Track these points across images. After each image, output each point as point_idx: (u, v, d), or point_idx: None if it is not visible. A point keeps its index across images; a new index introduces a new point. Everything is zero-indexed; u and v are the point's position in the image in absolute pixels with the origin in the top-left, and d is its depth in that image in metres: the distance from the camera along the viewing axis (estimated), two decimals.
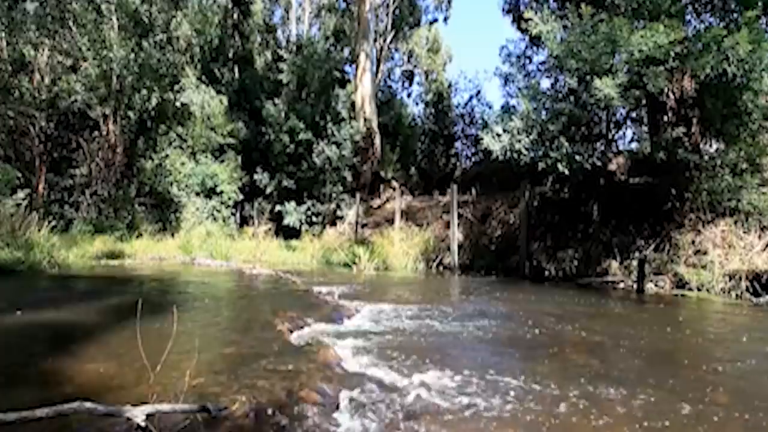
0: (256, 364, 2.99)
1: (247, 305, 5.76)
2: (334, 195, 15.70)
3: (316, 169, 15.54)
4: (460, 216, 12.02)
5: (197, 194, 16.31)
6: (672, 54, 7.24)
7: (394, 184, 15.55)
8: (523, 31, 10.98)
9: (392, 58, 23.59)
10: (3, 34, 13.65)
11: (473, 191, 13.65)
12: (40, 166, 14.43)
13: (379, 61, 21.06)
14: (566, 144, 8.32)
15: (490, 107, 20.32)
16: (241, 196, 17.01)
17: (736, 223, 7.98)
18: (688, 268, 7.82)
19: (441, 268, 11.44)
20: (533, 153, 8.80)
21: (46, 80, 14.30)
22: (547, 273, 9.71)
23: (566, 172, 8.36)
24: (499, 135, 9.04)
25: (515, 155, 8.95)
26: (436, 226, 12.76)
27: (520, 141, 8.70)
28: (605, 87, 7.40)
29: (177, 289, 7.02)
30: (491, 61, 55.72)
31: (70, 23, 14.12)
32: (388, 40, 21.74)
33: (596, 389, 2.83)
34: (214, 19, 20.14)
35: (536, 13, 8.69)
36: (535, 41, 9.79)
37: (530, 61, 10.53)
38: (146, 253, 12.40)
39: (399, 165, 18.09)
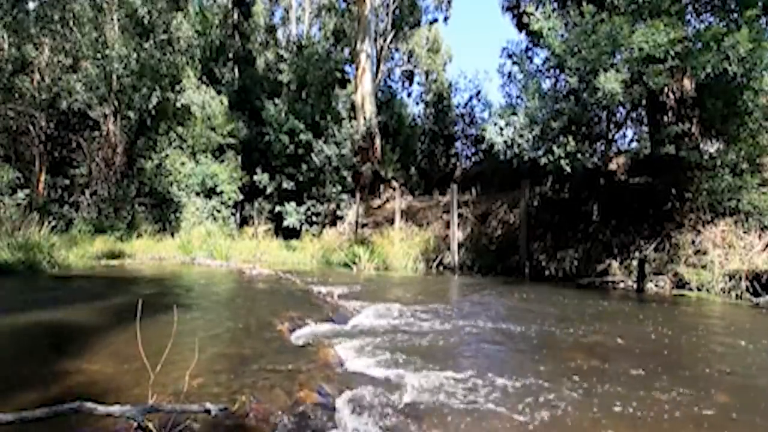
0: (256, 364, 2.99)
1: (247, 305, 5.76)
2: (333, 195, 15.69)
3: (316, 169, 15.54)
4: (460, 216, 12.02)
5: (197, 194, 16.31)
6: (672, 53, 7.24)
7: (394, 184, 15.55)
8: (524, 27, 10.97)
9: (392, 58, 23.59)
10: (5, 34, 13.65)
11: (473, 191, 13.64)
12: (40, 166, 14.44)
13: (379, 61, 21.05)
14: (571, 141, 8.29)
15: (490, 106, 20.33)
16: (241, 196, 17.01)
17: (736, 223, 7.97)
18: (688, 268, 7.82)
19: (441, 268, 11.43)
20: (535, 150, 8.80)
21: (47, 80, 14.30)
22: (547, 273, 9.71)
23: (569, 170, 8.33)
24: (501, 129, 9.03)
25: (517, 151, 8.94)
26: (436, 226, 12.76)
27: (522, 136, 8.69)
28: (608, 82, 7.39)
29: (177, 289, 7.02)
30: (491, 61, 55.76)
31: (71, 23, 14.11)
32: (388, 40, 21.73)
33: (596, 389, 2.83)
34: (214, 20, 20.16)
35: (537, 8, 8.69)
36: (536, 41, 9.79)
37: (531, 61, 10.54)
38: (146, 253, 12.40)
39: (399, 165, 18.07)
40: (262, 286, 7.63)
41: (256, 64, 21.60)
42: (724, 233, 7.92)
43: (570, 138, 8.34)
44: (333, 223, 15.67)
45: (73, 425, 2.02)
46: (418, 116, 23.16)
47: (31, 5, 14.30)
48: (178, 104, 16.26)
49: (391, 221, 13.53)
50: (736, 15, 7.68)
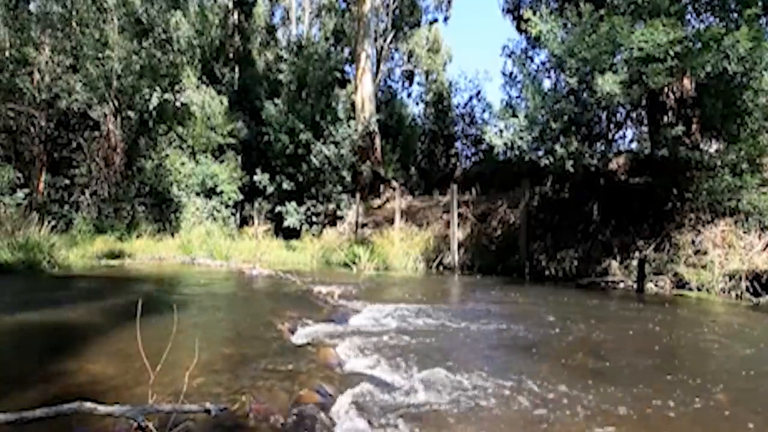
0: (256, 364, 2.99)
1: (247, 305, 5.76)
2: (333, 195, 15.70)
3: (316, 170, 15.55)
4: (460, 216, 12.01)
5: (197, 194, 16.31)
6: (672, 53, 7.24)
7: (394, 184, 15.54)
8: (523, 31, 10.98)
9: (392, 58, 23.59)
10: (6, 34, 13.65)
11: (473, 191, 13.64)
12: (40, 166, 14.43)
13: (379, 61, 21.05)
14: (575, 141, 8.29)
15: (490, 107, 20.37)
16: (241, 196, 17.01)
17: (736, 223, 7.97)
18: (688, 268, 7.82)
19: (441, 268, 11.43)
20: (535, 151, 8.80)
21: (47, 80, 14.29)
22: (547, 273, 9.71)
23: (571, 170, 8.31)
24: (501, 131, 9.04)
25: (517, 152, 8.95)
26: (436, 226, 12.76)
27: (522, 138, 8.70)
28: (607, 84, 7.39)
29: (177, 289, 7.02)
30: (491, 61, 55.77)
31: (73, 23, 14.11)
32: (388, 40, 21.73)
33: (596, 389, 2.83)
34: (214, 20, 20.16)
35: (535, 13, 8.69)
36: (536, 42, 9.81)
37: (531, 61, 10.54)
38: (146, 252, 12.39)
39: (399, 165, 18.08)
40: (262, 286, 7.63)
41: (256, 64, 21.60)
42: (724, 233, 7.91)
43: (573, 137, 8.36)
44: (333, 223, 15.67)
45: (73, 425, 2.02)
46: (418, 116, 23.17)
47: (33, 6, 14.31)
48: (178, 104, 16.26)
49: (391, 221, 13.53)
50: (735, 14, 7.68)
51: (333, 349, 3.55)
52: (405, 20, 22.00)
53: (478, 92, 21.60)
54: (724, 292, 7.29)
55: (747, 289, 7.10)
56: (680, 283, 7.83)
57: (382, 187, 16.45)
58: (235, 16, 21.54)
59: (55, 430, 1.98)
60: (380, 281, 9.18)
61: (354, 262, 11.34)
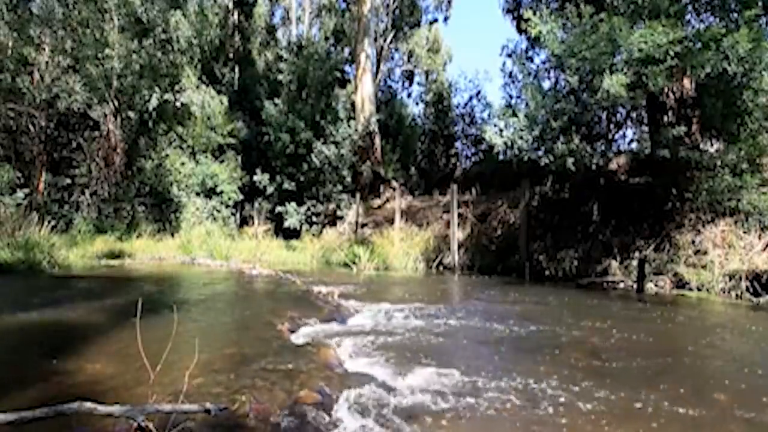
0: (256, 364, 2.99)
1: (247, 305, 5.76)
2: (334, 195, 15.70)
3: (316, 169, 15.55)
4: (460, 216, 12.01)
5: (197, 194, 16.31)
6: (671, 53, 7.24)
7: (394, 184, 15.54)
8: (523, 31, 10.98)
9: (392, 58, 23.58)
10: (6, 34, 13.64)
11: (473, 191, 13.64)
12: (40, 166, 14.43)
13: (379, 61, 21.04)
14: (576, 139, 8.28)
15: (490, 106, 20.37)
16: (241, 196, 17.01)
17: (736, 223, 7.97)
18: (688, 268, 7.82)
19: (441, 268, 11.43)
20: (535, 151, 8.80)
21: (47, 80, 14.29)
22: (547, 273, 9.70)
23: (573, 168, 8.29)
24: (501, 130, 9.03)
25: (517, 152, 8.94)
26: (436, 226, 12.75)
27: (522, 137, 8.69)
28: (613, 87, 7.37)
29: (177, 289, 7.02)
30: (491, 61, 55.75)
31: (74, 23, 14.11)
32: (388, 40, 21.73)
33: (596, 390, 2.83)
34: (214, 20, 20.17)
35: (535, 13, 8.68)
36: (536, 42, 9.80)
37: (531, 61, 10.54)
38: (146, 252, 12.40)
39: (399, 165, 18.08)
40: (262, 286, 7.63)
41: (256, 64, 21.61)
42: (724, 233, 7.91)
43: (573, 135, 8.35)
44: (333, 223, 15.67)
45: (73, 425, 2.02)
46: (418, 116, 23.17)
47: (34, 6, 14.31)
48: (178, 104, 16.25)
49: (391, 221, 13.53)
50: (735, 15, 7.68)
51: (333, 349, 3.56)
52: (405, 20, 22.00)
53: (478, 92, 21.61)
54: (724, 292, 7.29)
55: (747, 289, 7.10)
56: (680, 283, 7.83)
57: (382, 187, 16.45)
58: (235, 16, 21.54)
59: (55, 430, 1.98)
60: (380, 281, 9.18)
61: (354, 262, 11.34)
